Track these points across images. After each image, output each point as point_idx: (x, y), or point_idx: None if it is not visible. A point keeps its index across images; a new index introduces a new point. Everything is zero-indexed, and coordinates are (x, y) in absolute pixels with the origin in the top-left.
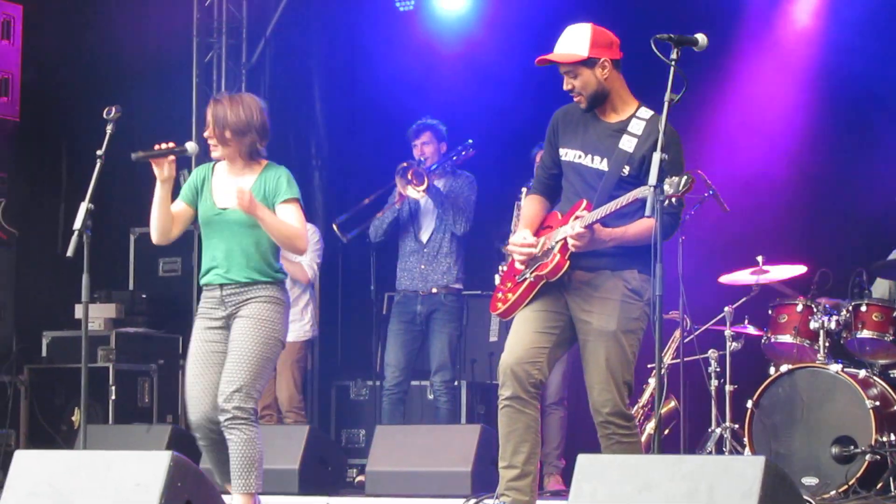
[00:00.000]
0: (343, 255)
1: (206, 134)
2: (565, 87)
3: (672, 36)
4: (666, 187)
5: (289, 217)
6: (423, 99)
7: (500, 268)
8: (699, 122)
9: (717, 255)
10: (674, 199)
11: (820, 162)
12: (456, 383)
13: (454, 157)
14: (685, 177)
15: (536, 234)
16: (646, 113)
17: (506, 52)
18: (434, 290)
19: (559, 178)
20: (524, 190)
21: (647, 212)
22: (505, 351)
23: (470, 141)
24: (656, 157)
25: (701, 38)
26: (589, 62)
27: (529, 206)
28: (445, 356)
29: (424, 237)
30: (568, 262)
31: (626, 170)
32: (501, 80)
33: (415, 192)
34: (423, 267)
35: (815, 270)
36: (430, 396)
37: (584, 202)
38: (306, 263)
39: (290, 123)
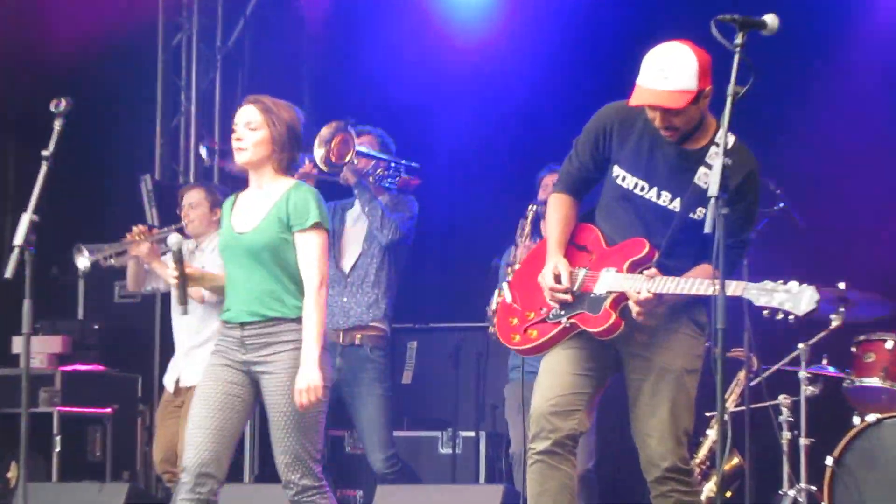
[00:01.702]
0: None
1: (234, 137)
2: (659, 124)
3: (736, 17)
4: (780, 297)
5: (309, 249)
6: (427, 92)
7: (499, 287)
8: (766, 116)
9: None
10: (790, 317)
11: None
12: (474, 434)
13: (396, 179)
14: (810, 290)
15: (570, 254)
16: (729, 138)
17: (531, 47)
18: (358, 340)
19: (593, 181)
20: (532, 208)
21: (707, 228)
22: (536, 395)
23: (416, 165)
24: (718, 163)
25: (771, 19)
26: (697, 96)
27: (558, 210)
28: (381, 427)
29: (347, 265)
30: (623, 323)
31: (700, 212)
32: (518, 81)
33: (321, 163)
34: (344, 300)
35: None
36: (443, 450)
37: (647, 247)
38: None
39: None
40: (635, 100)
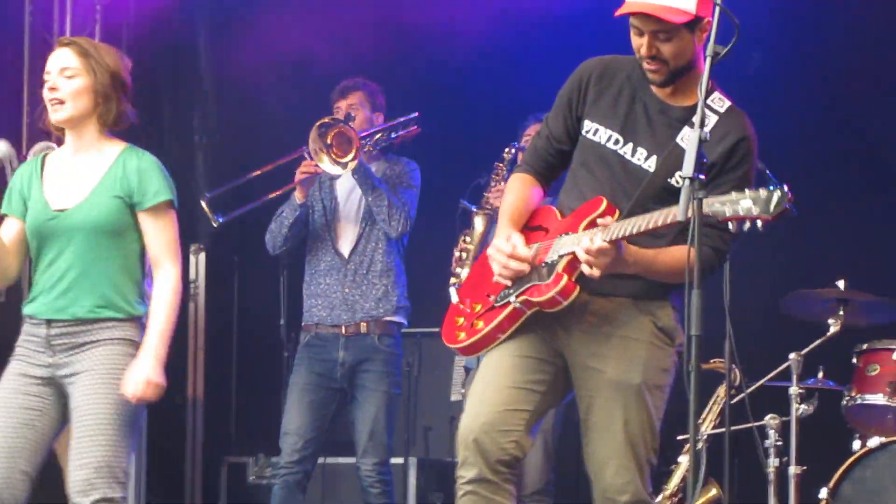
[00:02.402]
0: (239, 273)
1: (47, 87)
2: (644, 51)
3: None
4: (746, 203)
5: (160, 231)
6: (346, 59)
7: (452, 281)
8: (751, 82)
9: (780, 278)
10: (758, 224)
11: None
12: (403, 461)
13: (393, 135)
14: (779, 191)
15: (525, 236)
16: (721, 102)
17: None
18: (364, 328)
19: (567, 158)
20: (510, 150)
21: (680, 215)
22: (466, 412)
23: (416, 114)
24: (694, 136)
25: None
26: (692, 22)
27: (517, 190)
28: (379, 428)
29: (346, 248)
30: (578, 288)
31: (678, 178)
32: (456, 41)
33: (333, 167)
34: (346, 291)
35: None
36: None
37: (605, 203)
38: None
39: (164, 87)
40: (623, 8)
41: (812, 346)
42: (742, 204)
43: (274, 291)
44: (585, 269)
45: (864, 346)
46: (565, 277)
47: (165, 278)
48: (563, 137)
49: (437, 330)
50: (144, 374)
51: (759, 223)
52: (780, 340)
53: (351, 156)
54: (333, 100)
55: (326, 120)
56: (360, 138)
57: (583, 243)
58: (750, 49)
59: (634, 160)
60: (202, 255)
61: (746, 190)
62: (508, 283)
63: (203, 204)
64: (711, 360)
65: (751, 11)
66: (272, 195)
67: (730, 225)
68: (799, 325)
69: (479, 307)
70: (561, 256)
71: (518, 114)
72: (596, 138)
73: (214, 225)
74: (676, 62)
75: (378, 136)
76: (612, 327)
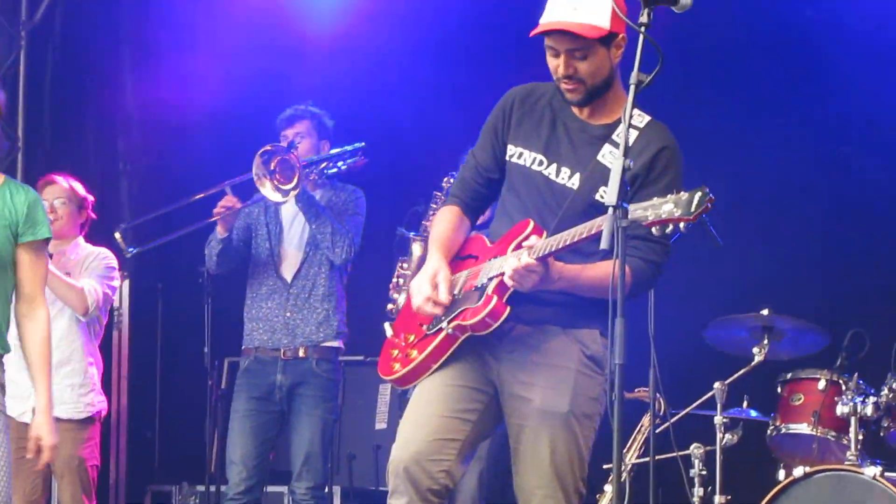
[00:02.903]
0: (163, 299)
1: None
2: (562, 70)
3: None
4: (667, 207)
5: (39, 266)
6: (278, 85)
7: (389, 307)
8: (685, 122)
9: (705, 306)
10: (681, 226)
11: (853, 180)
12: (326, 490)
13: (340, 164)
14: (699, 191)
15: (454, 266)
16: (640, 118)
17: (395, 33)
18: (302, 353)
19: (496, 188)
20: (448, 180)
21: (604, 244)
22: (397, 442)
23: (362, 143)
24: (617, 166)
25: None
26: (608, 38)
27: (444, 221)
28: (315, 451)
29: (289, 272)
30: (508, 309)
31: (603, 193)
32: (389, 70)
33: (274, 194)
34: (288, 314)
35: (845, 331)
36: None
37: (532, 224)
38: (88, 287)
39: (88, 111)
40: (538, 28)
41: (736, 375)
42: (664, 207)
43: (198, 318)
44: (512, 285)
45: (788, 376)
46: (495, 298)
47: (42, 318)
48: (492, 166)
49: (362, 358)
50: (52, 441)
51: (681, 225)
52: (705, 369)
53: (293, 183)
54: (280, 127)
55: (268, 147)
56: (304, 167)
57: (509, 263)
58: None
59: (559, 180)
60: (126, 283)
61: (668, 195)
62: (437, 312)
63: (117, 235)
64: (636, 389)
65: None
66: (189, 229)
67: (653, 230)
68: (723, 354)
69: (412, 337)
70: (490, 279)
71: (458, 144)
72: (521, 161)
73: (127, 256)
74: (594, 80)
75: (323, 164)
76: (541, 355)
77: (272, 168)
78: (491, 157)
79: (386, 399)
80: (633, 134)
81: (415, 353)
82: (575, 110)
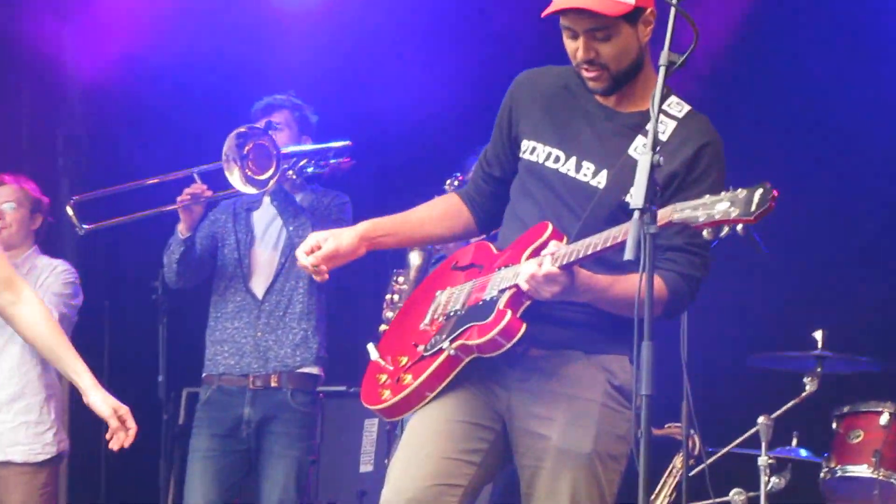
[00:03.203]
0: (110, 319)
1: None
2: (581, 55)
3: None
4: (722, 206)
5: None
6: (243, 69)
7: (382, 328)
8: (724, 111)
9: (747, 330)
10: (738, 227)
11: None
12: None
13: (321, 163)
14: (761, 188)
15: (452, 277)
16: (679, 107)
17: (386, 17)
18: (275, 381)
19: (500, 185)
20: (454, 181)
21: (628, 254)
22: (387, 487)
23: (347, 142)
24: (644, 161)
25: None
26: (634, 14)
27: (431, 203)
28: (289, 498)
29: (260, 287)
30: (524, 326)
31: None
32: (379, 56)
33: (244, 185)
34: (259, 335)
35: None
36: None
37: (551, 228)
38: (50, 304)
39: (22, 97)
40: (551, 7)
41: (785, 408)
42: (718, 207)
43: (152, 342)
44: (525, 287)
45: (846, 409)
46: (509, 313)
47: (32, 298)
48: (494, 161)
49: (345, 389)
50: (123, 407)
51: (738, 227)
52: (748, 401)
53: (268, 174)
54: (255, 118)
55: (243, 129)
56: (282, 156)
57: (527, 269)
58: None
59: (580, 177)
60: None
61: (722, 192)
62: (431, 327)
63: (68, 209)
64: (666, 425)
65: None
66: (149, 212)
67: (704, 233)
68: (770, 383)
69: (405, 360)
70: (501, 291)
71: (463, 141)
72: (534, 157)
73: (80, 233)
74: (619, 64)
75: (303, 161)
76: (560, 385)
77: (245, 152)
78: (493, 152)
79: (373, 437)
80: (671, 125)
81: (408, 377)
82: (599, 97)
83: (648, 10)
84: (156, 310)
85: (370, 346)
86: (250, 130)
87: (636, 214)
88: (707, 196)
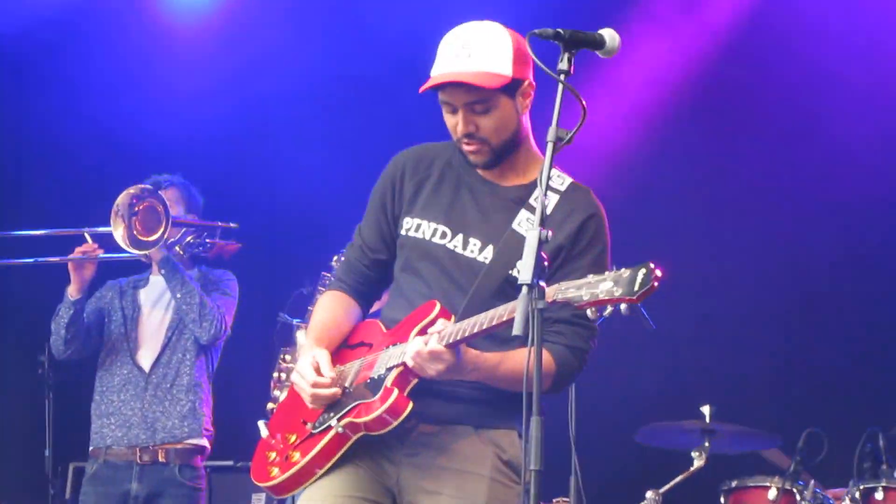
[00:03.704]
0: None
1: None
2: (461, 129)
3: (561, 31)
4: (606, 285)
5: None
6: (138, 115)
7: (269, 406)
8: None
9: (636, 404)
10: (622, 306)
11: (808, 264)
12: None
13: (209, 242)
14: (643, 268)
15: (342, 355)
16: (560, 180)
17: (280, 80)
18: (162, 457)
19: (386, 269)
20: (284, 318)
21: (516, 329)
22: None
23: (235, 224)
24: (532, 237)
25: (609, 35)
26: (512, 86)
27: (324, 309)
28: None
29: (147, 360)
30: (411, 404)
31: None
32: (269, 120)
33: (128, 246)
34: (146, 407)
35: (799, 431)
36: None
37: (439, 306)
38: None
39: None
40: (429, 82)
41: (672, 482)
42: (602, 286)
43: (38, 416)
44: (410, 363)
45: (734, 483)
46: (396, 391)
47: None
48: (380, 245)
49: (231, 463)
50: None
51: (622, 306)
52: (636, 475)
53: (156, 236)
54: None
55: (133, 190)
56: (172, 220)
57: (413, 347)
58: None
59: (468, 253)
60: None
61: (606, 272)
62: (322, 409)
63: None
64: (555, 500)
65: None
66: (38, 260)
67: (588, 312)
68: (658, 457)
69: (293, 437)
70: (389, 369)
71: (350, 216)
72: (419, 234)
73: None
74: (499, 137)
75: (190, 237)
76: (449, 460)
77: (135, 210)
78: (378, 236)
79: None
80: (553, 198)
81: (297, 455)
82: (481, 171)
83: (526, 82)
84: (41, 383)
85: (261, 424)
86: (141, 192)
87: (524, 290)
88: (591, 276)
